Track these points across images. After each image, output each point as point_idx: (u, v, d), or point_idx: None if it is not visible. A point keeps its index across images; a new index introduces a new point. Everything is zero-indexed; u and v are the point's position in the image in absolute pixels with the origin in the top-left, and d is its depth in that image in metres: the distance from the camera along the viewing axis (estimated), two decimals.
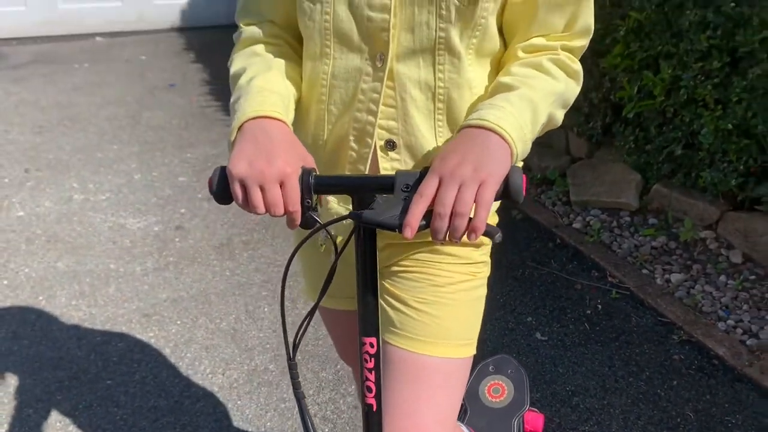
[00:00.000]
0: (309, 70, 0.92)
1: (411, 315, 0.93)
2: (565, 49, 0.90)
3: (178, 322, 2.20)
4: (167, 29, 5.79)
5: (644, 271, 2.50)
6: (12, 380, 1.94)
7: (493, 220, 1.00)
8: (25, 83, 4.43)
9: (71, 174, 3.22)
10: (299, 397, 0.91)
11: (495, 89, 0.87)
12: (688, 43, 2.35)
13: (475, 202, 0.73)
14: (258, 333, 2.16)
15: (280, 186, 0.77)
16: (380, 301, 0.95)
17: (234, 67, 0.93)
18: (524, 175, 0.78)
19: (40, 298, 2.31)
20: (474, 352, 0.98)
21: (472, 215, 0.73)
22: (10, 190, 3.05)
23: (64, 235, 2.70)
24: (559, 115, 0.90)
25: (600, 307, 2.32)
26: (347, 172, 0.92)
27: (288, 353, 0.90)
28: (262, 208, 0.78)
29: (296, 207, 0.78)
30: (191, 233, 2.74)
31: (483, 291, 1.00)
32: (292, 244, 1.30)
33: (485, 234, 0.74)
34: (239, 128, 0.83)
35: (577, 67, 0.90)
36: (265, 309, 2.28)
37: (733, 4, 2.16)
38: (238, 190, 0.79)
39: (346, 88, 0.89)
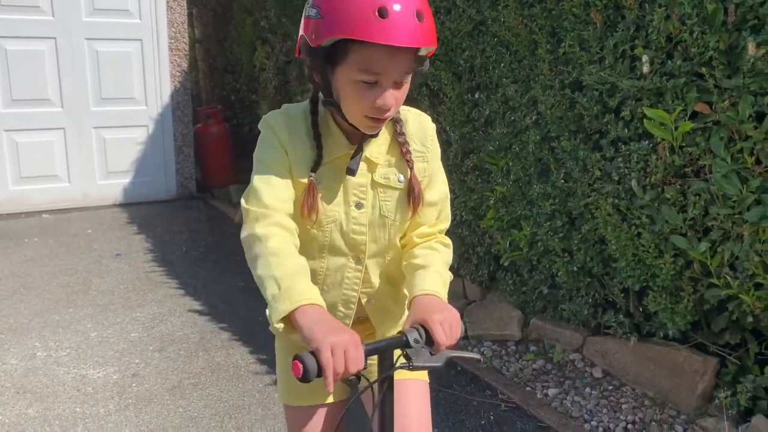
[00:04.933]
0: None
1: None
2: (439, 232, 1.50)
3: None
4: (110, 205, 6.37)
5: (527, 388, 3.08)
6: None
7: None
8: None
9: (32, 335, 3.60)
10: None
11: (415, 267, 1.40)
12: (538, 208, 3.13)
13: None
14: None
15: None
16: None
17: (269, 244, 1.24)
18: None
19: None
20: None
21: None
22: None
23: (32, 387, 3.06)
24: (448, 273, 1.46)
25: (492, 418, 2.86)
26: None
27: None
28: (342, 368, 1.08)
29: (362, 365, 1.11)
30: (146, 379, 3.15)
31: None
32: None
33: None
34: (289, 311, 1.16)
35: (448, 241, 1.50)
36: None
37: (563, 181, 2.97)
38: (329, 354, 1.07)
39: (334, 276, 1.43)
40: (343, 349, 1.08)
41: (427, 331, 1.23)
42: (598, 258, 2.96)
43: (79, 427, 2.74)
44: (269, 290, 1.19)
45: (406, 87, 1.29)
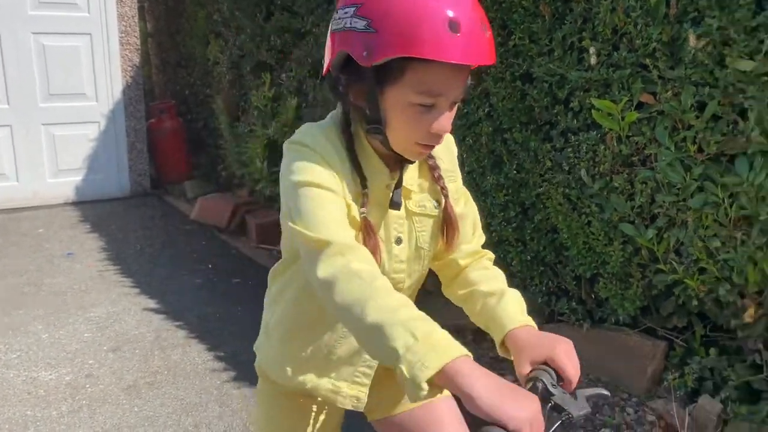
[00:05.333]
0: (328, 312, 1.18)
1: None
2: (481, 248, 1.35)
3: None
4: (62, 204, 6.22)
5: None
6: None
7: None
8: None
9: None
10: None
11: (484, 295, 1.28)
12: (492, 199, 3.17)
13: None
14: None
15: None
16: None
17: (377, 284, 1.01)
18: None
19: None
20: None
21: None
22: None
23: None
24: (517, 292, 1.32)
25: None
26: (355, 365, 1.32)
27: None
28: None
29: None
30: (101, 379, 3.10)
31: None
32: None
33: None
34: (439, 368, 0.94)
35: (493, 255, 1.36)
36: None
37: (515, 172, 3.02)
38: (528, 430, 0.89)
39: None
40: (538, 422, 0.92)
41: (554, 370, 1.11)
42: (550, 247, 3.01)
43: (31, 430, 2.68)
44: (400, 340, 0.94)
45: (456, 107, 1.12)
